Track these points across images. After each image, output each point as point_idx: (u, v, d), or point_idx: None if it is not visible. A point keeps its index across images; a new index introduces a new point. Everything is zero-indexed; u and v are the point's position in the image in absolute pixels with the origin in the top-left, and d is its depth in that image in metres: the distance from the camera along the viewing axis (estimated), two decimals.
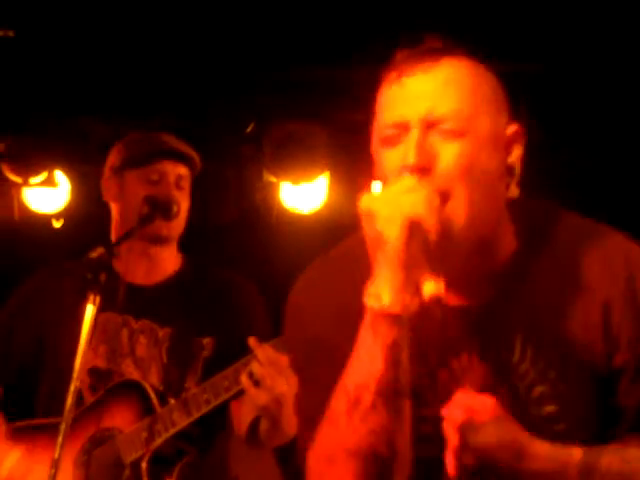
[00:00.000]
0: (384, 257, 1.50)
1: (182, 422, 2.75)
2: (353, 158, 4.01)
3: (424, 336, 1.60)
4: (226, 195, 4.24)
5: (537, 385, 1.63)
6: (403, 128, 1.59)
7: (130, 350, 2.89)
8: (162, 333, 2.91)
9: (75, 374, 2.42)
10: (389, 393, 1.51)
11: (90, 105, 3.96)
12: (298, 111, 3.95)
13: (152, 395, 2.80)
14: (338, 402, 1.54)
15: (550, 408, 1.63)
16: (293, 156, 3.98)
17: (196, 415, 2.75)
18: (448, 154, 1.56)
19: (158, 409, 2.78)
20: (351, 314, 1.56)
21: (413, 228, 1.49)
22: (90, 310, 2.46)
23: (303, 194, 4.08)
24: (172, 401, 2.79)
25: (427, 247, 1.50)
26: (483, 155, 1.58)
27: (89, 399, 2.88)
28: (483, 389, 1.61)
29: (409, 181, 1.54)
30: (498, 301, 1.64)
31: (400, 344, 1.51)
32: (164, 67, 3.79)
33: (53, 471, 2.37)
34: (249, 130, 3.96)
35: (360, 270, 1.57)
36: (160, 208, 2.86)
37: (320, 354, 1.63)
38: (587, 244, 1.65)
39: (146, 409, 2.80)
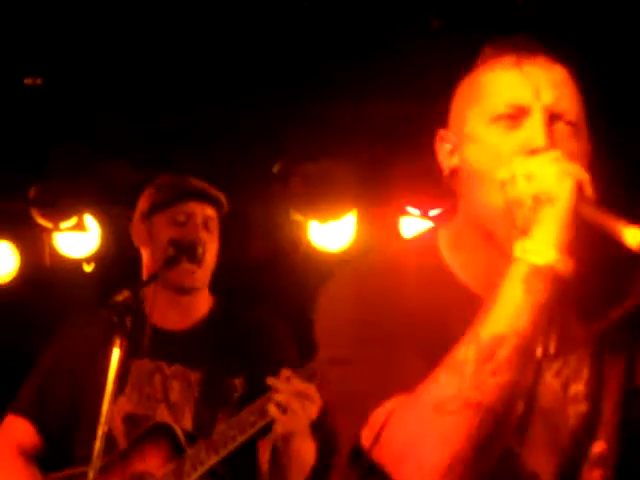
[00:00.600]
0: (551, 214, 1.52)
1: (210, 461, 2.74)
2: (380, 195, 4.02)
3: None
4: (254, 235, 4.25)
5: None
6: (521, 111, 1.63)
7: (164, 396, 2.88)
8: (194, 377, 2.89)
9: (102, 419, 2.42)
10: (526, 352, 1.50)
11: (118, 149, 4.00)
12: (325, 149, 3.97)
13: (181, 437, 2.79)
14: (466, 351, 1.50)
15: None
16: (320, 195, 3.99)
17: (223, 453, 2.74)
18: (567, 149, 1.61)
19: (188, 450, 2.77)
20: (402, 308, 1.61)
21: (580, 189, 1.53)
22: (117, 354, 2.46)
23: (331, 232, 4.08)
24: (201, 441, 2.78)
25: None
26: (583, 160, 1.66)
27: (123, 445, 2.87)
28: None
29: (556, 154, 1.58)
30: None
31: (550, 304, 1.51)
32: (190, 109, 3.83)
33: None
34: (276, 169, 3.98)
35: (405, 274, 1.66)
36: (185, 250, 2.86)
37: (376, 336, 1.62)
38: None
39: (176, 451, 2.78)
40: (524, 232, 1.54)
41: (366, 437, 1.56)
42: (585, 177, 1.54)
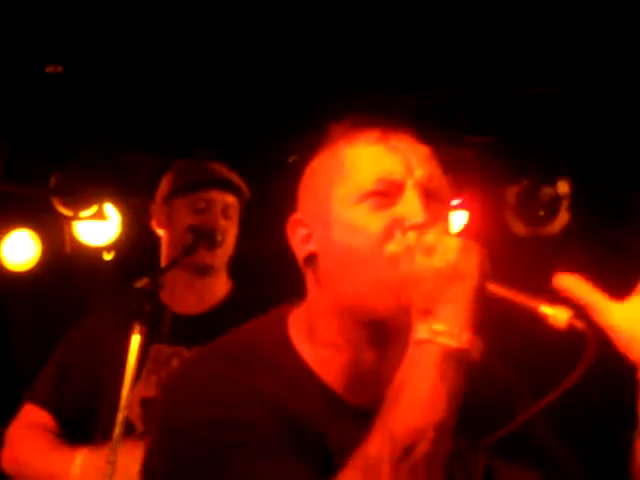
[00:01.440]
0: (461, 292, 1.39)
1: None
2: None
3: None
4: (270, 225, 4.24)
5: None
6: (394, 186, 1.51)
7: None
8: None
9: (123, 402, 2.43)
10: (444, 442, 1.35)
11: (138, 138, 4.02)
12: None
13: None
14: (380, 450, 1.33)
15: None
16: None
17: None
18: (440, 227, 1.50)
19: None
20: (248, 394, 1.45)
21: (483, 265, 1.42)
22: (136, 340, 2.47)
23: None
24: None
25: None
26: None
27: (141, 429, 2.88)
28: None
29: (443, 228, 1.49)
30: None
31: (462, 391, 1.37)
32: (210, 99, 3.83)
33: None
34: (292, 160, 3.97)
35: (246, 360, 1.50)
36: (204, 237, 2.85)
37: (245, 436, 1.42)
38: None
39: None
40: (426, 312, 1.39)
41: None
42: (485, 253, 1.42)
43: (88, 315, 3.03)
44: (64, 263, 4.34)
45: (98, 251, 4.26)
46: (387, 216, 1.49)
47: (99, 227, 4.20)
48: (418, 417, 1.34)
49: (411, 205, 1.48)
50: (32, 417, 2.90)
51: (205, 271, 2.95)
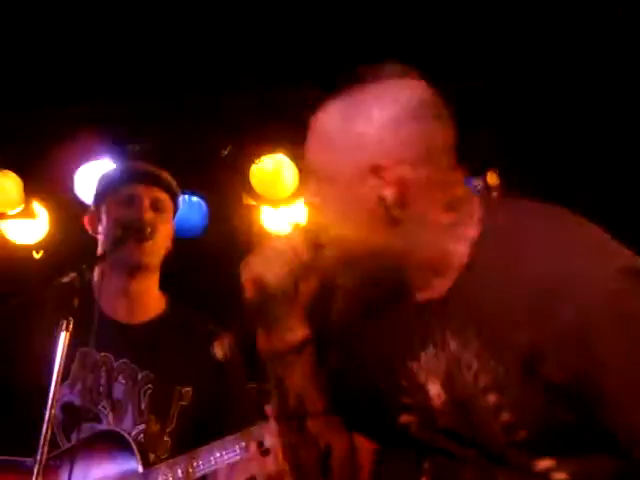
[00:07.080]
0: None
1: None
2: None
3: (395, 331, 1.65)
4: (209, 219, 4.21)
5: (481, 374, 1.61)
6: None
7: (108, 390, 2.82)
8: (141, 375, 2.84)
9: (51, 403, 2.31)
10: None
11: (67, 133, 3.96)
12: (275, 135, 3.96)
13: (135, 448, 2.71)
14: None
15: (493, 398, 1.62)
16: (273, 180, 3.98)
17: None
18: None
19: (139, 461, 2.70)
20: None
21: None
22: (63, 336, 2.40)
23: (283, 217, 4.08)
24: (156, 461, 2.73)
25: None
26: None
27: (61, 437, 2.77)
28: (446, 379, 1.65)
29: None
30: (453, 294, 1.64)
31: None
32: (143, 95, 3.81)
33: None
34: (226, 153, 3.95)
35: None
36: (132, 229, 2.80)
37: None
38: (529, 232, 1.61)
39: (125, 462, 2.71)
40: None
41: None
42: None
43: (9, 309, 2.94)
44: None
45: (27, 250, 4.18)
46: None
47: (27, 225, 4.12)
48: None
49: None
50: None
51: (136, 270, 2.89)
